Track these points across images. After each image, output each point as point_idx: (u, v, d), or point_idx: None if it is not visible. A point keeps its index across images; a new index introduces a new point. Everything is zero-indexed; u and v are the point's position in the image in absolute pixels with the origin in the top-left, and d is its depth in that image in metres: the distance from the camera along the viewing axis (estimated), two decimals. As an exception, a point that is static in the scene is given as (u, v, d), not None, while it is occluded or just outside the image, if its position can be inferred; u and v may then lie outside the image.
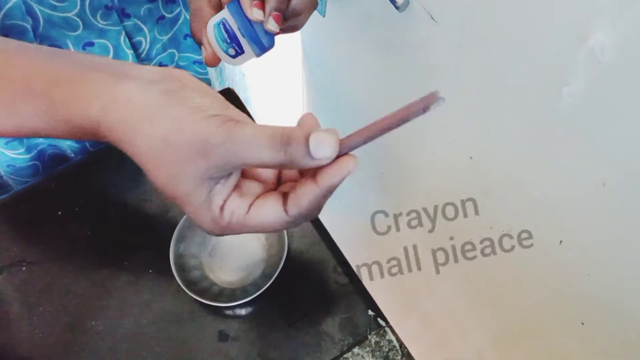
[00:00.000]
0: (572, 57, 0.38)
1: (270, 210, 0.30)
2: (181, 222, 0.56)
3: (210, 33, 0.47)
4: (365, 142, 0.29)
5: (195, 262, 0.57)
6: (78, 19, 0.53)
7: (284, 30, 0.49)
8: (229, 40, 0.46)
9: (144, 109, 0.27)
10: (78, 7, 0.52)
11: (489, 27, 0.46)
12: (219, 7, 0.48)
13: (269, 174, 0.33)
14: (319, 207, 0.31)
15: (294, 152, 0.27)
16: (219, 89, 0.74)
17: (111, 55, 0.58)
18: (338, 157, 0.29)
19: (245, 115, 0.30)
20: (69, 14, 0.52)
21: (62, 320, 0.54)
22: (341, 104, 0.92)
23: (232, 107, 0.30)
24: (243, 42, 0.46)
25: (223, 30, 0.46)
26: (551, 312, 0.58)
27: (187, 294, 0.52)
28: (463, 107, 0.56)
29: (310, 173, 0.30)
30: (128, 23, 0.57)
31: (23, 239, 0.59)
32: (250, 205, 0.30)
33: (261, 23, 0.44)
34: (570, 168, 0.44)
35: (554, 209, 0.49)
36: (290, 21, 0.48)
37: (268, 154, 0.27)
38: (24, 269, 0.57)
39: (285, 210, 0.30)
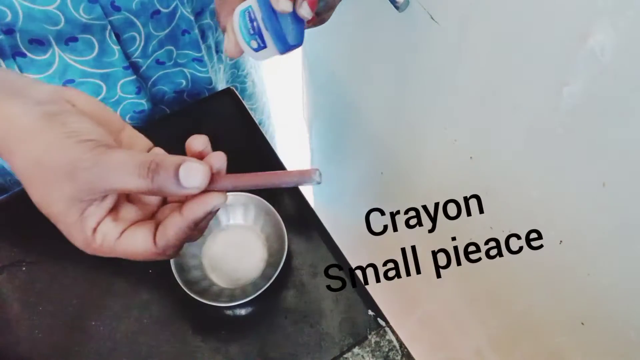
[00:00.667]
0: (572, 57, 0.38)
1: (140, 240, 0.31)
2: (181, 222, 0.56)
3: (236, 20, 0.41)
4: (235, 188, 0.30)
5: (195, 262, 0.57)
6: (59, 13, 0.50)
7: (313, 23, 0.45)
8: (252, 31, 0.41)
9: (22, 130, 0.29)
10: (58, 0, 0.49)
11: (489, 27, 0.46)
12: None
13: (151, 199, 0.34)
14: (185, 239, 0.31)
15: (163, 180, 0.28)
16: (219, 89, 0.74)
17: (96, 51, 0.55)
18: (208, 191, 0.30)
19: (142, 138, 0.32)
20: (49, 7, 0.49)
21: (62, 320, 0.54)
22: (341, 103, 0.92)
23: (128, 127, 0.32)
24: (266, 35, 0.40)
25: (248, 19, 0.41)
26: (551, 312, 0.58)
27: (187, 294, 0.52)
28: (463, 107, 0.56)
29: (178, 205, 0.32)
30: (118, 17, 0.54)
31: (23, 239, 0.59)
32: (123, 231, 0.31)
33: (289, 15, 0.39)
34: (570, 168, 0.44)
35: (554, 209, 0.49)
36: (323, 14, 0.45)
37: (134, 181, 0.28)
38: (24, 269, 0.57)
39: (154, 242, 0.31)
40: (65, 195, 0.29)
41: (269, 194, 0.58)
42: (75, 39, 0.53)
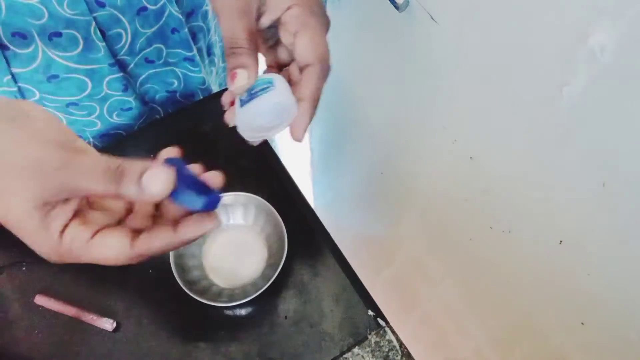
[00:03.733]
0: (572, 57, 0.38)
1: (115, 242, 0.31)
2: (181, 222, 0.56)
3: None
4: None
5: (195, 262, 0.57)
6: (42, 7, 0.49)
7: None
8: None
9: None
10: None
11: (488, 27, 0.46)
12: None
13: (117, 206, 0.34)
14: (168, 251, 0.33)
15: (127, 185, 0.29)
16: (217, 90, 0.74)
17: (81, 47, 0.54)
18: (201, 211, 0.32)
19: (89, 148, 0.33)
20: (33, 1, 0.48)
21: (62, 320, 0.54)
22: (341, 103, 0.92)
23: (79, 140, 0.32)
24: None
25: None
26: (551, 312, 0.58)
27: (187, 294, 0.52)
28: (463, 107, 0.56)
29: (170, 218, 0.33)
30: (102, 13, 0.53)
31: (23, 239, 0.59)
32: (95, 233, 0.31)
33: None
34: (570, 168, 0.44)
35: (554, 209, 0.49)
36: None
37: (101, 185, 0.29)
38: (24, 269, 0.57)
39: (132, 245, 0.31)
40: (26, 196, 0.29)
41: (269, 194, 0.58)
42: (59, 34, 0.52)
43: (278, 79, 0.39)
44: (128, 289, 0.56)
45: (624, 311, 0.47)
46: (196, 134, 0.66)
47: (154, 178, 0.29)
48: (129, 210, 0.35)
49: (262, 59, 0.48)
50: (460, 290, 0.78)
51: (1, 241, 0.59)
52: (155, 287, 0.56)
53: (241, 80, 0.38)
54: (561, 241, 0.50)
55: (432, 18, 0.52)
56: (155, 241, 0.31)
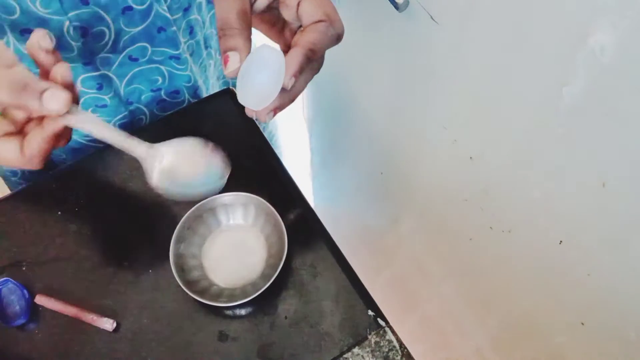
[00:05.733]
0: (572, 57, 0.38)
1: (10, 150, 0.37)
2: (181, 222, 0.56)
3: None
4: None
5: (195, 263, 0.57)
6: (14, 3, 0.49)
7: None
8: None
9: None
10: None
11: (488, 27, 0.46)
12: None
13: (18, 116, 0.39)
14: (48, 149, 0.38)
15: (28, 99, 0.34)
16: (219, 89, 0.74)
17: (53, 44, 0.55)
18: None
19: (18, 64, 0.35)
20: None
21: (62, 320, 0.54)
22: (341, 103, 0.92)
23: (12, 59, 0.35)
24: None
25: None
26: (551, 312, 0.58)
27: (187, 294, 0.52)
28: (463, 107, 0.56)
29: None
30: (85, 10, 0.52)
31: (23, 239, 0.59)
32: None
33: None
34: (570, 168, 0.44)
35: (554, 209, 0.49)
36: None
37: (5, 95, 0.33)
38: (24, 269, 0.57)
39: (22, 151, 0.37)
40: None
41: (269, 195, 0.58)
42: (30, 31, 0.51)
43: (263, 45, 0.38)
44: (128, 289, 0.56)
45: (624, 311, 0.47)
46: (196, 134, 0.66)
47: (54, 97, 0.33)
48: (30, 119, 0.39)
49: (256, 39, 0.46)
50: (460, 290, 0.78)
51: (1, 241, 0.59)
52: (155, 287, 0.56)
53: (233, 64, 0.38)
54: (561, 241, 0.50)
55: (432, 18, 0.52)
56: (32, 142, 0.36)
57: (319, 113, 1.08)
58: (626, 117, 0.37)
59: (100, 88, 0.61)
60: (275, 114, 0.40)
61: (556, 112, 0.42)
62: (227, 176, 0.39)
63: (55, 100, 0.34)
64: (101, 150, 0.66)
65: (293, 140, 1.29)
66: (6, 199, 0.62)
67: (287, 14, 0.40)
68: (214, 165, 0.38)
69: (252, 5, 0.40)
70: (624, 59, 0.35)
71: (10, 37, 0.52)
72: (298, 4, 0.39)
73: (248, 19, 0.38)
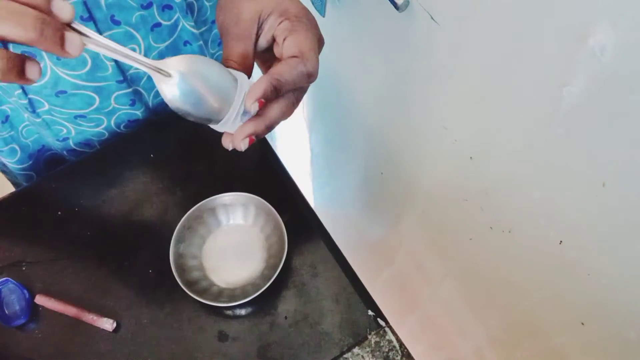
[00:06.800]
0: (572, 57, 0.38)
1: None
2: (181, 222, 0.56)
3: None
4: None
5: (195, 263, 0.57)
6: None
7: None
8: None
9: None
10: None
11: (489, 27, 0.46)
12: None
13: None
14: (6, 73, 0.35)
15: (50, 38, 0.31)
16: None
17: (89, 66, 0.55)
18: None
19: None
20: None
21: (62, 320, 0.54)
22: (341, 103, 0.92)
23: None
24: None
25: None
26: (551, 312, 0.58)
27: (187, 294, 0.52)
28: (463, 107, 0.56)
29: None
30: (117, 30, 0.55)
31: (23, 239, 0.59)
32: None
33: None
34: (570, 168, 0.44)
35: (554, 209, 0.49)
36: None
37: (21, 33, 0.31)
38: (24, 269, 0.57)
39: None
40: None
41: (269, 195, 0.58)
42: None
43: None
44: (128, 289, 0.56)
45: (624, 311, 0.47)
46: (196, 135, 0.66)
47: (74, 42, 0.32)
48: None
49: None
50: (460, 290, 0.78)
51: (1, 241, 0.59)
52: (155, 287, 0.56)
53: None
54: (561, 241, 0.50)
55: (432, 18, 0.52)
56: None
57: (318, 113, 1.08)
58: (626, 117, 0.37)
59: (132, 104, 0.63)
60: (251, 142, 0.40)
61: (556, 112, 0.42)
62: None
63: (74, 46, 0.32)
64: (101, 150, 0.66)
65: (293, 140, 1.29)
66: (6, 199, 0.62)
67: (276, 50, 0.41)
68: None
69: (255, 44, 0.41)
70: (624, 59, 0.35)
71: (47, 61, 0.54)
72: (283, 40, 0.40)
73: (248, 61, 0.40)
